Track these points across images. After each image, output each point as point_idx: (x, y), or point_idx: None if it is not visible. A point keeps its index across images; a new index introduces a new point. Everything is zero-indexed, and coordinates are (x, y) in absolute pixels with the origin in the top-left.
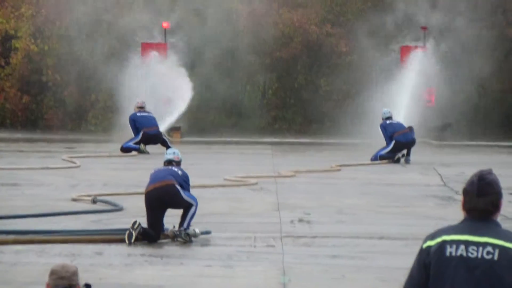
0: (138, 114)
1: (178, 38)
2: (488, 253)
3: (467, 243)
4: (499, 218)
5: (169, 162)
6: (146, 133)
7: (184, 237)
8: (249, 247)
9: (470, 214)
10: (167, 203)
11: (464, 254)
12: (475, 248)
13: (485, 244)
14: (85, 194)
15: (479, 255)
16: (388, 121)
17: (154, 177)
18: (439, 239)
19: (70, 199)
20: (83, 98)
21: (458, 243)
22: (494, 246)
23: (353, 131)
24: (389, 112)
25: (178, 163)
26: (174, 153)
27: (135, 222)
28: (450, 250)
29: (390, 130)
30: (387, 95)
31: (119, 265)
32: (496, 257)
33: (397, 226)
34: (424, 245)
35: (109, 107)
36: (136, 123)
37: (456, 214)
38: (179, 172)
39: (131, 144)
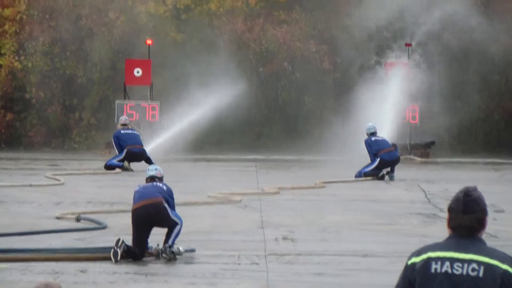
0: (122, 131)
1: (162, 55)
2: (473, 269)
3: (452, 260)
4: (483, 236)
5: (151, 179)
6: (130, 150)
7: (169, 254)
8: (233, 264)
9: (455, 231)
10: (154, 221)
11: (449, 270)
12: (460, 264)
13: (470, 261)
14: (69, 212)
15: (464, 272)
16: (373, 138)
17: (141, 194)
18: (424, 256)
19: (54, 217)
20: (66, 116)
21: (443, 259)
22: (479, 263)
23: (337, 148)
24: (374, 127)
25: (160, 179)
26: (156, 169)
27: (118, 240)
28: (435, 267)
29: (375, 147)
30: (371, 112)
31: (103, 283)
32: (481, 274)
33: (381, 244)
34: (409, 262)
35: (92, 125)
36: (120, 141)
37: (440, 231)
38: (164, 187)
39: (115, 161)
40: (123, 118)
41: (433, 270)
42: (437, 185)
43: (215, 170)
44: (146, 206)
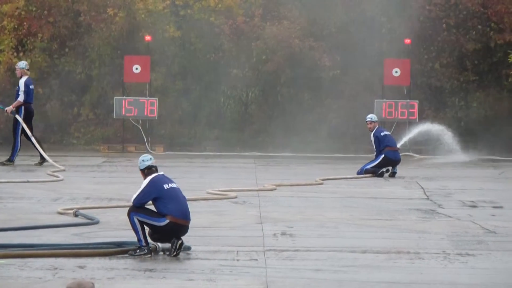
0: (31, 86)
1: (161, 52)
2: None
3: None
4: (482, 232)
5: (149, 168)
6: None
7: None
8: (232, 260)
9: None
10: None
11: None
12: None
13: None
14: (70, 208)
15: None
16: (382, 133)
17: (185, 209)
18: None
19: (53, 213)
20: (65, 111)
21: None
22: None
23: (336, 145)
24: (376, 116)
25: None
26: (150, 158)
27: (181, 244)
28: None
29: (384, 143)
30: (371, 109)
31: (101, 279)
32: None
33: (380, 240)
34: None
35: (91, 120)
36: (29, 91)
37: (439, 227)
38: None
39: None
40: (25, 63)
41: None
42: (435, 182)
43: (214, 166)
44: (185, 227)
